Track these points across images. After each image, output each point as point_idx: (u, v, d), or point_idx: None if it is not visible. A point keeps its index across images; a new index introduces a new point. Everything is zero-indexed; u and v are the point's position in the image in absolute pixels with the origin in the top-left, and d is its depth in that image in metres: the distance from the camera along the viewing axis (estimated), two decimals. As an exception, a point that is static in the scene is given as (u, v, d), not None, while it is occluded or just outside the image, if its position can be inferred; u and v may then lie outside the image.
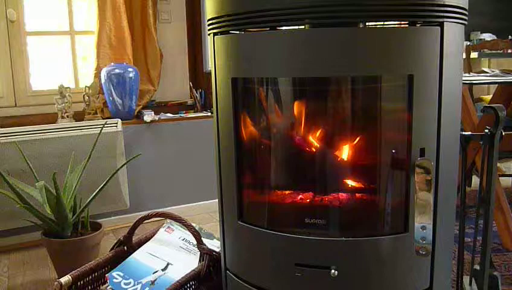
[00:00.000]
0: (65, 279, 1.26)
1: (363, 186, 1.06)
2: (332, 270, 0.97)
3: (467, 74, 1.97)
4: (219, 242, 1.27)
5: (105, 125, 2.08)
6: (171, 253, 1.43)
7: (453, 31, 0.93)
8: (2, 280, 1.76)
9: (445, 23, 0.90)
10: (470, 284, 1.26)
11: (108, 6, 2.33)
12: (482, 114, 1.98)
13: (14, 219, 1.96)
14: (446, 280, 1.05)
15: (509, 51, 3.57)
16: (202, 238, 1.38)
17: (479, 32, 3.97)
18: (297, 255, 1.00)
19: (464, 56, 2.91)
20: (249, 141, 1.11)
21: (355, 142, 1.03)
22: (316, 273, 0.99)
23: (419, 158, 0.92)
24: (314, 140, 1.06)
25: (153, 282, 1.31)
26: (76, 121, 2.21)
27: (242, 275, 1.12)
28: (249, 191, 1.12)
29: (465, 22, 0.97)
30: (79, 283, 1.31)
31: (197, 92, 2.63)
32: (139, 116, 2.41)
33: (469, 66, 2.97)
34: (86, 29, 2.42)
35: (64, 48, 2.41)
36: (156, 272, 1.35)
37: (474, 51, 3.39)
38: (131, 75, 2.28)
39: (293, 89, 1.06)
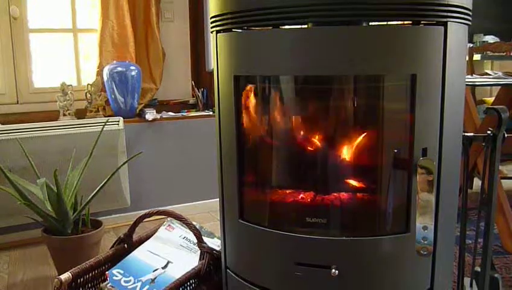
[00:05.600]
0: (65, 276, 1.26)
1: (364, 185, 1.05)
2: (333, 270, 0.96)
3: (469, 76, 1.97)
4: (219, 241, 1.27)
5: (107, 123, 2.07)
6: (171, 251, 1.43)
7: (457, 31, 0.92)
8: (2, 277, 1.76)
9: (448, 23, 0.90)
10: (471, 286, 1.25)
11: (111, 5, 2.33)
12: (485, 115, 1.98)
13: (15, 216, 1.96)
14: (447, 281, 1.05)
15: (512, 53, 3.56)
16: (203, 236, 1.38)
17: (482, 34, 3.97)
18: (298, 254, 1.00)
19: (467, 58, 2.91)
20: (251, 139, 1.10)
21: (357, 141, 1.03)
22: (317, 272, 0.99)
23: (421, 158, 0.92)
24: (315, 139, 1.06)
25: (153, 280, 1.31)
26: (78, 119, 2.21)
27: (242, 274, 1.12)
28: (250, 190, 1.12)
29: (469, 23, 0.97)
30: (79, 280, 1.31)
31: (199, 91, 2.63)
32: (141, 114, 2.41)
33: (472, 68, 2.96)
34: (88, 27, 2.42)
35: (67, 46, 2.41)
36: (156, 270, 1.35)
37: (477, 53, 3.39)
38: (133, 73, 2.28)
39: (295, 88, 1.06)
